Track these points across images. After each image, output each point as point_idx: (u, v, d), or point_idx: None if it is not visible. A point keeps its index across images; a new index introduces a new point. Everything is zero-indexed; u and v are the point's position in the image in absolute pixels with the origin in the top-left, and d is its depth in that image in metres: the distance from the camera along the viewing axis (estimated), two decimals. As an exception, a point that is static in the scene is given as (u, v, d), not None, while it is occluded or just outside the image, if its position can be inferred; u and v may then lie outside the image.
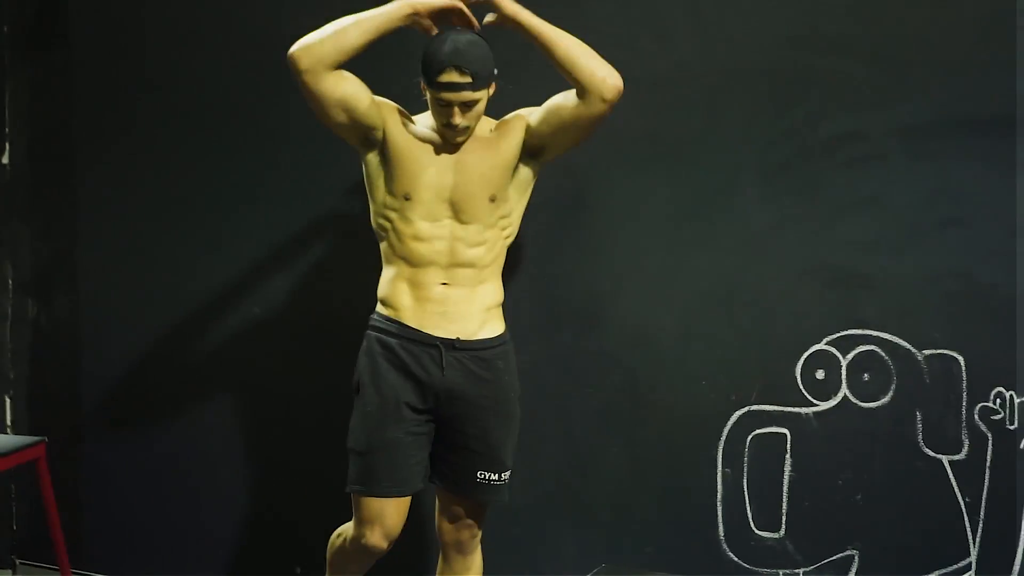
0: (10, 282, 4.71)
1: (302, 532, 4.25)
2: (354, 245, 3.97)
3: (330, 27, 3.25)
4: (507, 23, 3.29)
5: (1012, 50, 3.38)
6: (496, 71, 3.29)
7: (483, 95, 3.27)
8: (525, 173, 3.43)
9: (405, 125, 3.38)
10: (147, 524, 4.56)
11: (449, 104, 3.23)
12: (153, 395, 4.52)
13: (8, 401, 4.74)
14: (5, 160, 4.69)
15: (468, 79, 3.20)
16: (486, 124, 3.42)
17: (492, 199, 3.37)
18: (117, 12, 4.49)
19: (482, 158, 3.36)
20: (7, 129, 4.68)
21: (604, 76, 3.23)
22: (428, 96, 3.30)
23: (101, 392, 4.61)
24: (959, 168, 3.45)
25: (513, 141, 3.38)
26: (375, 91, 3.36)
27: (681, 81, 3.72)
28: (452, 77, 3.19)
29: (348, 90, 3.28)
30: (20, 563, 4.78)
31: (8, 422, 4.74)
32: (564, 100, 3.31)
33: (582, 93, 3.25)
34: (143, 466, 4.55)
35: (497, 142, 3.38)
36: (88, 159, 4.58)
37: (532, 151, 3.40)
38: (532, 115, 3.39)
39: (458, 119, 3.25)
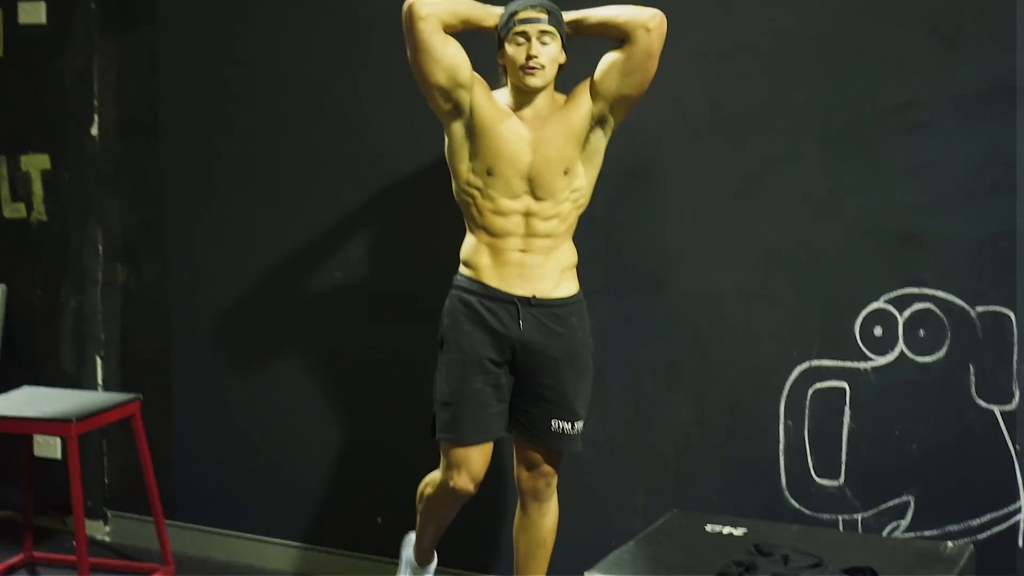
0: (100, 248, 4.94)
1: (384, 484, 4.46)
2: (433, 212, 4.16)
3: None
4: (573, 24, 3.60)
5: None
6: (565, 39, 3.52)
7: (557, 34, 3.50)
8: (595, 141, 3.61)
9: (490, 99, 3.58)
10: (234, 477, 4.79)
11: (527, 37, 3.47)
12: (238, 355, 4.74)
13: (99, 361, 4.98)
14: (95, 132, 4.91)
15: (544, 14, 3.48)
16: (559, 99, 3.62)
17: (566, 172, 3.56)
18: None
19: (556, 132, 3.55)
20: (96, 102, 4.90)
21: (638, 11, 3.49)
22: (506, 56, 3.52)
23: (189, 352, 4.84)
24: (1009, 134, 3.56)
25: (582, 108, 3.57)
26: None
27: (743, 53, 3.86)
28: (529, 14, 3.48)
29: (452, 51, 3.52)
30: (112, 514, 5.03)
31: (99, 380, 4.98)
32: (616, 51, 3.53)
33: (628, 35, 3.49)
34: (229, 422, 4.79)
35: (568, 114, 3.57)
36: (173, 131, 4.79)
37: (599, 116, 3.58)
38: (594, 75, 3.58)
39: (536, 49, 3.47)
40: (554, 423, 3.63)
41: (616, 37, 3.53)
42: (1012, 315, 3.59)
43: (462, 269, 3.65)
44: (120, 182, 4.91)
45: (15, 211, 5.07)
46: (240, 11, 4.64)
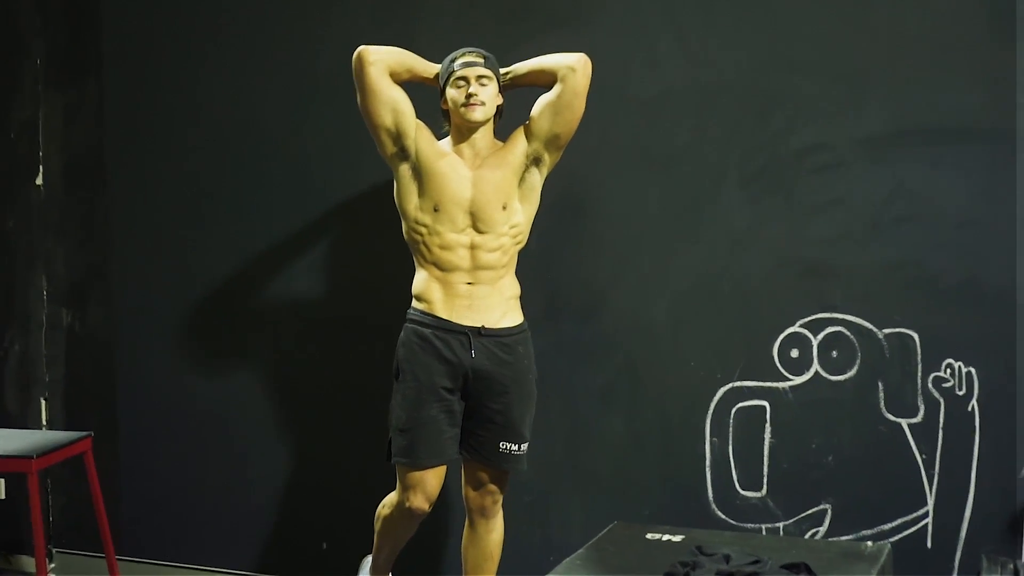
0: (45, 293, 5.08)
1: (329, 511, 4.64)
2: (379, 245, 4.40)
3: (394, 48, 3.86)
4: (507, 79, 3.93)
5: (957, 68, 3.84)
6: (500, 83, 3.83)
7: (493, 77, 3.82)
8: (531, 179, 3.90)
9: (432, 143, 3.88)
10: (181, 511, 4.93)
11: (466, 79, 3.78)
12: (185, 393, 4.89)
13: (44, 403, 5.11)
14: (39, 181, 5.06)
15: (481, 59, 3.80)
16: (497, 144, 3.92)
17: (504, 207, 3.85)
18: (147, 41, 4.88)
19: (493, 171, 3.85)
20: (41, 153, 5.06)
21: (565, 56, 3.83)
22: (447, 99, 3.82)
23: (135, 391, 4.98)
24: (911, 172, 3.89)
25: (518, 148, 3.88)
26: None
27: (669, 100, 4.17)
28: (467, 58, 3.81)
29: (398, 95, 3.85)
30: (57, 552, 5.13)
31: (44, 421, 5.11)
32: (547, 94, 3.86)
33: (556, 77, 3.82)
34: (176, 458, 4.93)
35: (505, 154, 3.88)
36: (119, 178, 4.96)
37: (534, 155, 3.88)
38: (528, 124, 3.89)
39: (475, 88, 3.78)
40: (502, 445, 3.88)
41: (547, 83, 3.86)
42: (916, 336, 3.91)
43: (415, 304, 3.90)
44: (66, 228, 5.07)
45: (-41, 258, 5.19)
46: (185, 62, 4.84)
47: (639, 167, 4.19)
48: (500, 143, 3.93)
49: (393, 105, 3.83)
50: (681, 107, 4.16)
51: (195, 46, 4.83)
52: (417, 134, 3.86)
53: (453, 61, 3.82)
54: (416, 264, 3.93)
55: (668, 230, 4.21)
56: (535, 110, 3.88)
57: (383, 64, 3.81)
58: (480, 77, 3.80)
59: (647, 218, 4.22)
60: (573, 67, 3.80)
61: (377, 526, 4.07)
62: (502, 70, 3.90)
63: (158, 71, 4.90)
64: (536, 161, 3.90)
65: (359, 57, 3.80)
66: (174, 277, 4.90)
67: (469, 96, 3.78)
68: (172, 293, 4.91)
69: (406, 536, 4.05)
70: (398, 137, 3.85)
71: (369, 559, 4.24)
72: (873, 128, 3.94)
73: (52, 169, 5.06)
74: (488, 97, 3.82)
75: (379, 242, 4.36)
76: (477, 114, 3.81)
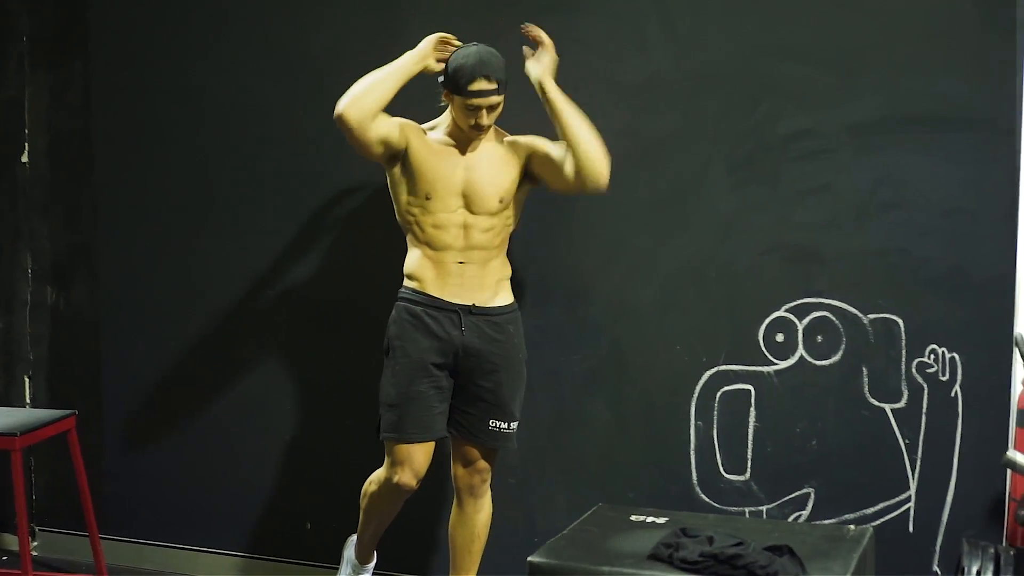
0: (29, 272, 5.08)
1: (314, 491, 4.66)
2: (371, 226, 4.42)
3: (365, 82, 3.77)
4: (536, 80, 3.82)
5: (949, 56, 3.86)
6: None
7: (502, 100, 3.78)
8: (524, 187, 3.95)
9: (422, 139, 3.88)
10: (165, 490, 4.94)
11: (478, 108, 3.74)
12: (169, 371, 4.90)
13: (27, 380, 5.10)
14: (24, 159, 5.06)
15: (494, 86, 3.73)
16: (497, 133, 3.94)
17: (500, 201, 3.88)
18: (134, 22, 4.87)
19: (492, 164, 3.87)
20: (26, 131, 5.05)
21: (601, 171, 3.78)
22: (453, 102, 3.79)
23: (119, 369, 4.98)
24: (898, 159, 3.91)
25: (519, 164, 3.90)
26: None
27: (658, 86, 4.18)
28: (481, 85, 3.71)
29: (384, 129, 3.80)
30: (40, 530, 5.14)
31: (27, 399, 5.11)
32: (560, 161, 3.80)
33: (576, 173, 3.77)
34: (160, 437, 4.94)
35: (507, 157, 3.90)
36: (105, 158, 4.95)
37: (526, 176, 3.92)
38: (535, 150, 3.88)
39: (485, 120, 3.76)
40: (492, 423, 3.92)
41: (564, 137, 3.79)
42: (900, 322, 3.94)
43: (407, 282, 3.92)
44: (50, 207, 5.06)
45: (-58, 236, 5.19)
46: (172, 42, 4.83)
47: (627, 152, 4.18)
48: (504, 133, 3.95)
49: (381, 139, 3.81)
50: (670, 93, 4.18)
51: (183, 26, 4.81)
52: (407, 142, 3.86)
53: (467, 84, 3.72)
54: (408, 243, 3.95)
55: (656, 216, 4.22)
56: (538, 154, 3.87)
57: (366, 120, 3.74)
58: (491, 106, 3.77)
59: (635, 203, 4.23)
60: (596, 184, 3.80)
61: (363, 503, 4.09)
62: (548, 84, 3.82)
63: (145, 51, 4.88)
64: (529, 178, 3.94)
65: (340, 120, 3.75)
66: (159, 257, 4.90)
67: (477, 124, 3.78)
68: (157, 273, 4.91)
69: (391, 513, 4.07)
70: (391, 157, 3.87)
71: (354, 538, 4.25)
72: (862, 115, 3.96)
73: (37, 147, 5.05)
74: (495, 117, 3.81)
75: (370, 223, 4.38)
76: (482, 133, 3.83)
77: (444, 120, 3.93)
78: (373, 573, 4.28)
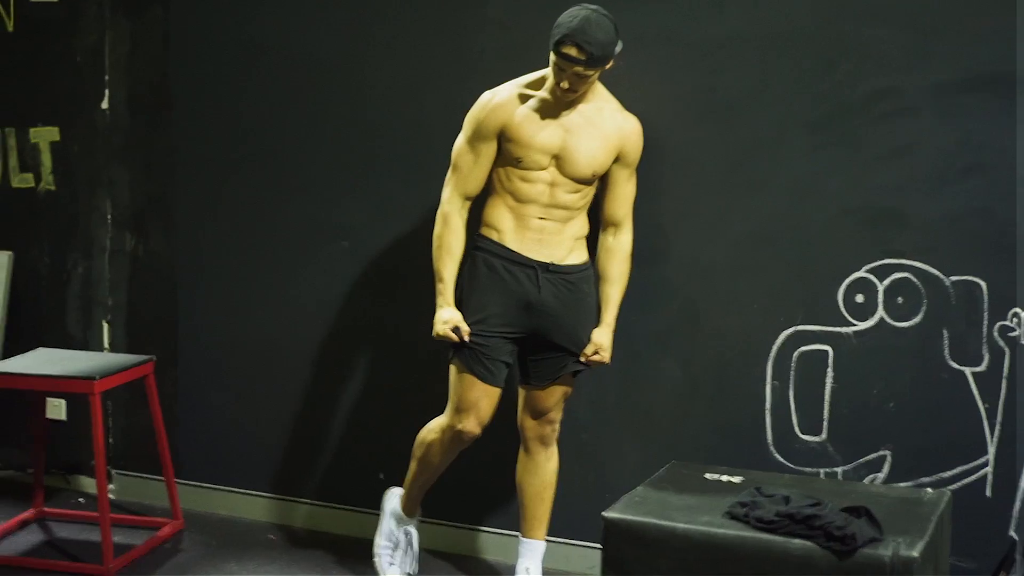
0: (109, 217, 5.13)
1: (385, 441, 4.68)
2: (440, 187, 4.37)
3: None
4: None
5: None
6: (618, 48, 3.73)
7: (594, 73, 3.72)
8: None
9: (513, 115, 3.85)
10: (237, 436, 5.01)
11: (563, 71, 3.69)
12: (242, 320, 4.96)
13: (106, 326, 5.17)
14: (105, 106, 5.10)
15: (583, 57, 3.63)
16: (605, 100, 3.91)
17: (593, 175, 3.88)
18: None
19: (592, 137, 3.85)
20: (107, 78, 5.08)
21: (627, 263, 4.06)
22: (551, 62, 3.74)
23: (193, 317, 5.05)
24: (980, 121, 3.85)
25: (614, 153, 3.91)
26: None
27: (735, 45, 4.13)
28: (571, 51, 3.64)
29: (480, 175, 3.93)
30: (117, 473, 5.23)
31: (106, 344, 5.17)
32: (611, 199, 3.99)
33: (610, 240, 4.03)
34: (233, 384, 5.00)
35: (610, 139, 3.89)
36: (183, 107, 4.98)
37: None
38: (620, 162, 3.94)
39: (567, 85, 3.71)
40: (570, 364, 3.97)
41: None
42: (983, 284, 3.89)
43: (484, 230, 3.94)
44: (130, 154, 5.09)
45: (23, 181, 5.24)
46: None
47: (702, 112, 4.17)
48: (613, 101, 3.93)
49: (486, 164, 3.91)
50: (747, 52, 4.13)
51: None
52: (501, 130, 3.86)
53: (560, 42, 3.64)
54: (491, 189, 3.95)
55: (731, 176, 4.19)
56: (620, 172, 3.96)
57: (464, 206, 3.96)
58: (577, 74, 3.70)
59: (710, 163, 4.20)
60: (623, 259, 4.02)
61: (418, 452, 4.12)
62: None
63: (223, 2, 4.90)
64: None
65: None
66: (236, 206, 4.93)
67: (562, 87, 3.73)
68: (234, 222, 4.94)
69: (445, 464, 4.10)
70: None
71: (397, 490, 4.28)
72: (943, 76, 3.90)
73: (117, 95, 5.08)
74: (584, 87, 3.76)
75: (441, 181, 4.36)
76: (570, 99, 3.80)
77: (547, 77, 3.86)
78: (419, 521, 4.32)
